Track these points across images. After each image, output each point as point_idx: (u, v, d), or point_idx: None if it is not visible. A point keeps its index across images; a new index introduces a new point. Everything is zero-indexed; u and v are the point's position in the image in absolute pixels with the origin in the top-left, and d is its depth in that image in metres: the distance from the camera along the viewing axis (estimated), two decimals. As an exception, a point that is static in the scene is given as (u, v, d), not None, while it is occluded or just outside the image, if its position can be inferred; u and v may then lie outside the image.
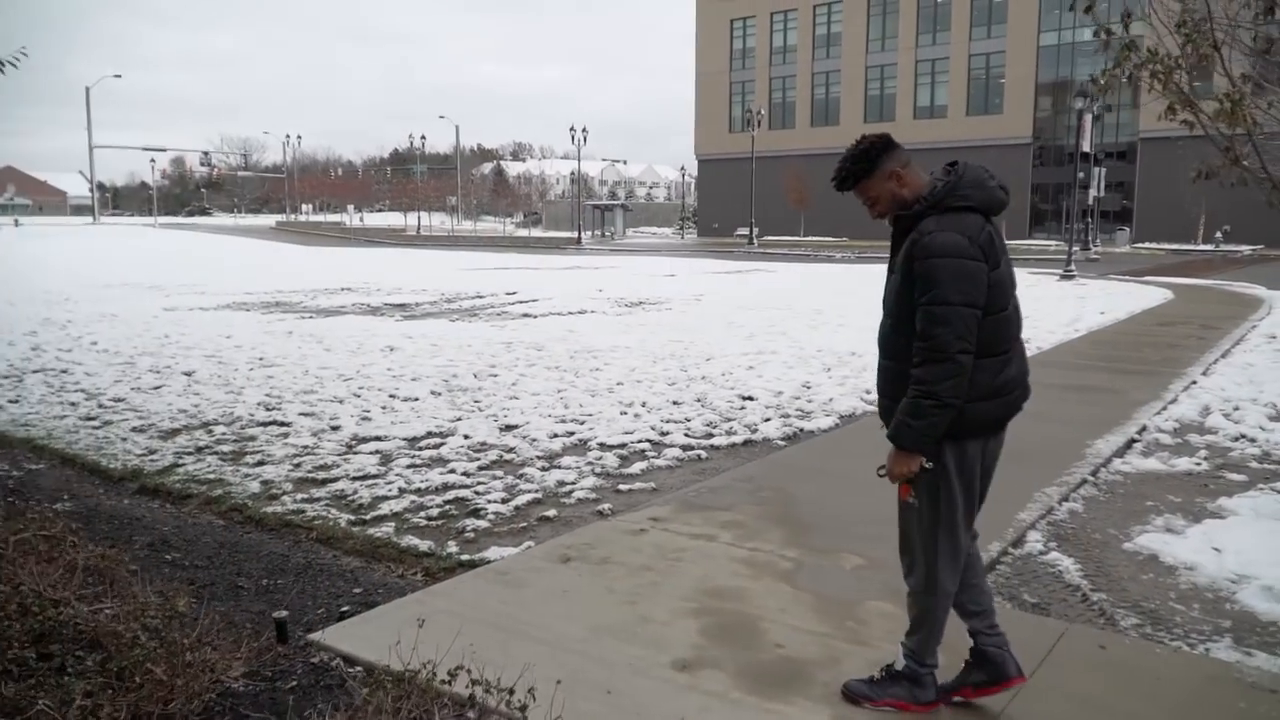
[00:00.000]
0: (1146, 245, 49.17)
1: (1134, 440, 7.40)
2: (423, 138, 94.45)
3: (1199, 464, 6.79)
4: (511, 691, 3.19)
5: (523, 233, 71.64)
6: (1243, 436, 7.64)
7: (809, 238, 58.65)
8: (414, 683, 3.22)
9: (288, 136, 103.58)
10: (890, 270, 3.25)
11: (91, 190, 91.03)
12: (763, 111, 61.27)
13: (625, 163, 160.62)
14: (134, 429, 8.29)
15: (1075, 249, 27.72)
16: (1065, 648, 3.79)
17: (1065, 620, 4.14)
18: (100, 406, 9.27)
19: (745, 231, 55.35)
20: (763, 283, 26.68)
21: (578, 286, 25.08)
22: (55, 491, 6.53)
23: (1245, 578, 4.61)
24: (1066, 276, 25.16)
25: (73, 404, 9.42)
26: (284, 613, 3.93)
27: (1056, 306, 18.97)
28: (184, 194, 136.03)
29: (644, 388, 10.12)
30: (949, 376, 2.98)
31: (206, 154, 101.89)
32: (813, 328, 15.46)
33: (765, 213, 58.97)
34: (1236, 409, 8.57)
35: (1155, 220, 51.27)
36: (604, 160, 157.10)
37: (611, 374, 11.02)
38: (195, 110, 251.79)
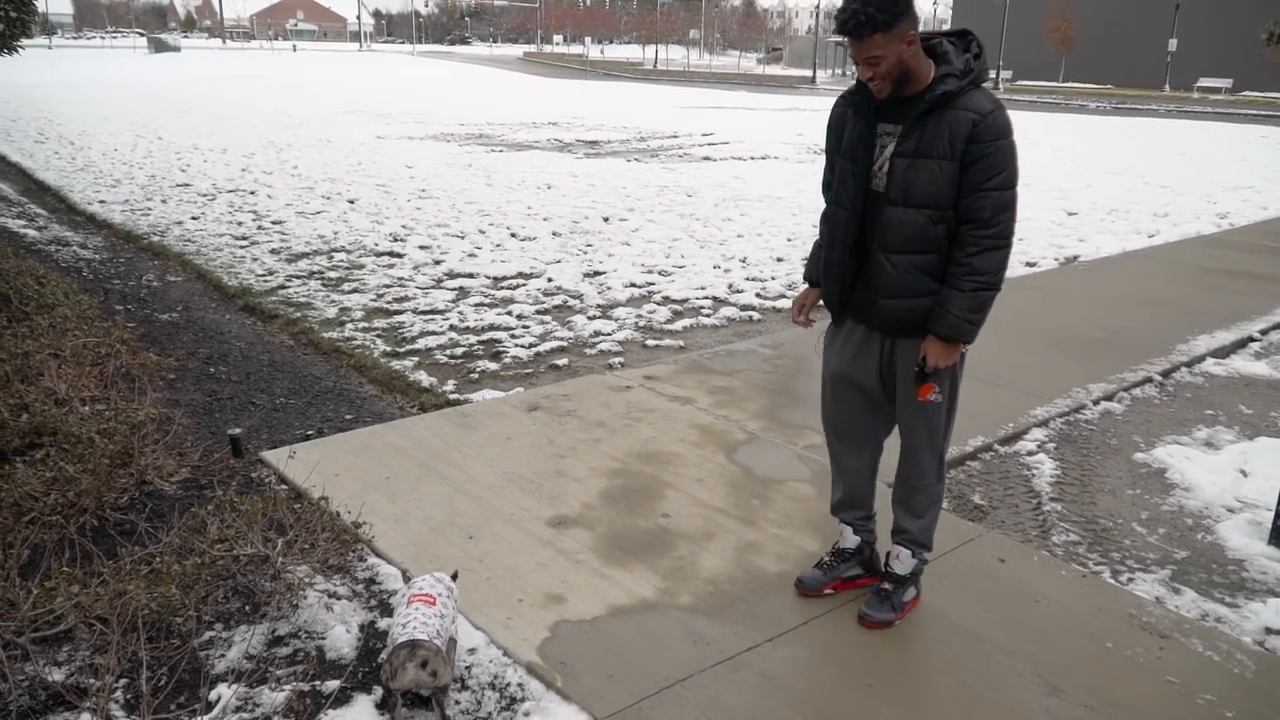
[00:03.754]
0: None
1: (1252, 339, 6.46)
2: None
3: (1319, 373, 5.88)
4: (358, 525, 3.45)
5: (759, 70, 69.22)
6: None
7: (1067, 84, 53.00)
8: (290, 503, 3.53)
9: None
10: (898, 155, 2.78)
11: (359, 18, 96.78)
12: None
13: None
14: (270, 250, 9.11)
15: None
16: (961, 555, 3.54)
17: (989, 527, 3.85)
18: (259, 228, 10.22)
19: (993, 75, 50.77)
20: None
21: (779, 130, 24.27)
22: (173, 303, 7.37)
23: (1247, 506, 4.05)
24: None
25: (238, 223, 10.44)
26: (238, 430, 4.36)
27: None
28: (449, 23, 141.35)
29: (760, 242, 9.87)
30: (1005, 265, 2.83)
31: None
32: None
33: (1022, 55, 53.62)
34: None
35: None
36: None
37: (740, 225, 10.79)
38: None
